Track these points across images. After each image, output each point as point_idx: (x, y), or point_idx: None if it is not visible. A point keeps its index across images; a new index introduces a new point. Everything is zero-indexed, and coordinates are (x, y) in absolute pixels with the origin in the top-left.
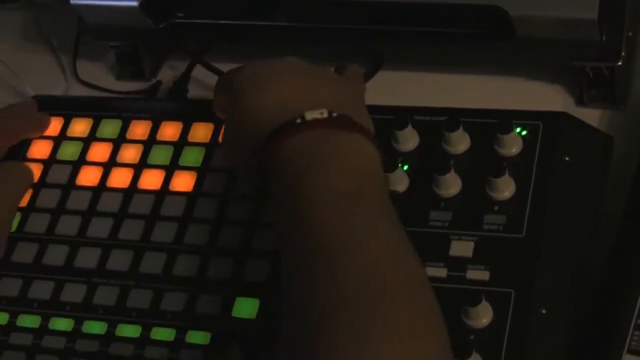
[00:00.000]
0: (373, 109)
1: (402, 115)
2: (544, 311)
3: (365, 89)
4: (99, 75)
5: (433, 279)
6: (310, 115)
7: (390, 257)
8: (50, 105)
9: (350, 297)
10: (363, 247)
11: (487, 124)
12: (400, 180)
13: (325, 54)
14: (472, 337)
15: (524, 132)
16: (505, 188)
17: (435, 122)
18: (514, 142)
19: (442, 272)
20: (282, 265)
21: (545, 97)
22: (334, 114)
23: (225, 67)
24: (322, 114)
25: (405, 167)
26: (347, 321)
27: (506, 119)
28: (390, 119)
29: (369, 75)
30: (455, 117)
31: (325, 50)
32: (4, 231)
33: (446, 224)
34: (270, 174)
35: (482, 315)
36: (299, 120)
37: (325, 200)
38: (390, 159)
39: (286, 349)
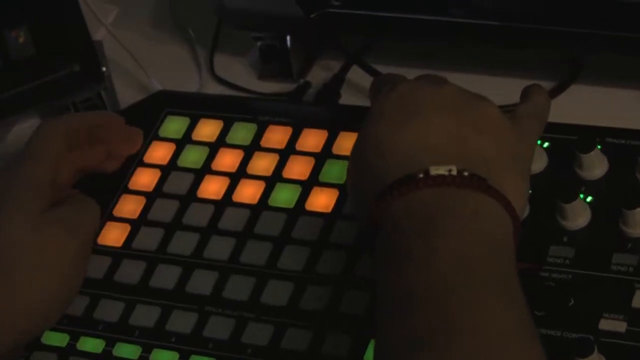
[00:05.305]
0: (557, 128)
1: (589, 137)
2: None
3: (534, 147)
4: (239, 73)
5: (608, 334)
6: (435, 171)
7: (503, 340)
8: (176, 103)
9: None
10: (475, 327)
11: None
12: (580, 214)
13: (512, 60)
14: None
15: None
16: None
17: (630, 147)
18: None
19: (620, 326)
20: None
21: None
22: (465, 173)
23: (386, 70)
24: (450, 170)
25: (589, 199)
26: None
27: None
28: (574, 139)
29: (560, 88)
30: None
31: (514, 55)
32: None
33: (631, 269)
34: (379, 230)
35: None
36: (421, 175)
37: (438, 268)
38: (570, 187)
39: None
